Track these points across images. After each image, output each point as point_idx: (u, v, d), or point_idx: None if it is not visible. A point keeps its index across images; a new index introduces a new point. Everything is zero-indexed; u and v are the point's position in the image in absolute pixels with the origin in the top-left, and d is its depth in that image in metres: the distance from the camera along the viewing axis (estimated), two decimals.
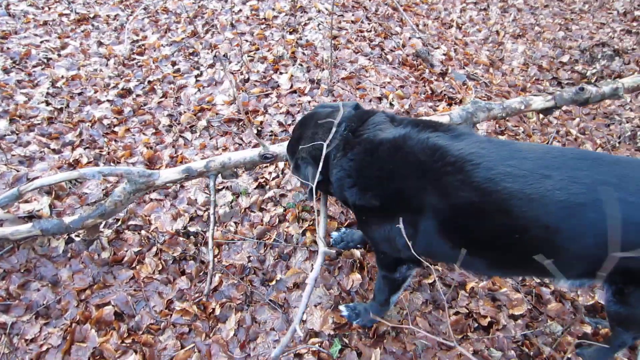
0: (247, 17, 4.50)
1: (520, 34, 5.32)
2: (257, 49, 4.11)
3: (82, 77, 3.96)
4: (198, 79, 3.95)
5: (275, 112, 3.55)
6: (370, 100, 3.72)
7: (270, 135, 3.43)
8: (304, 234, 2.89)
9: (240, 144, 3.41)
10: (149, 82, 3.95)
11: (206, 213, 3.01)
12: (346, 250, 2.85)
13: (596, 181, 1.57)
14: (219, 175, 2.76)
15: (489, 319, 2.56)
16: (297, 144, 2.20)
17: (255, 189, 3.13)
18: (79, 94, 3.84)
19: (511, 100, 3.22)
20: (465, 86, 4.15)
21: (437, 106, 3.76)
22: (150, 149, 3.42)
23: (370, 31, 4.44)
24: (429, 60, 4.25)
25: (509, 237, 1.68)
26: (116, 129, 3.60)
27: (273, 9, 4.59)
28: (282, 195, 3.09)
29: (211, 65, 4.05)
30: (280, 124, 3.48)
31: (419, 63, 4.21)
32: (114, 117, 3.66)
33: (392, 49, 4.33)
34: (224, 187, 3.15)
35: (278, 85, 3.79)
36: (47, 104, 3.67)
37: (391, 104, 3.68)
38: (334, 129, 2.03)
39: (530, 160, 1.69)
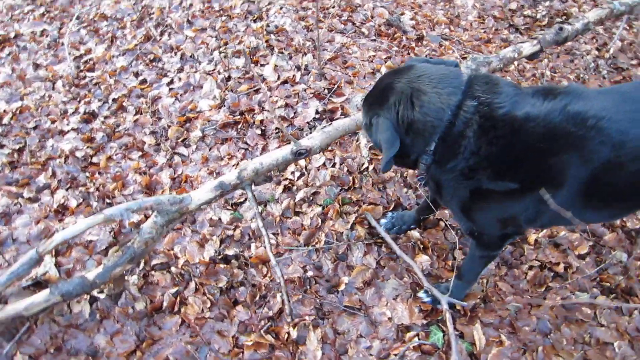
0: (202, 11, 4.09)
1: None
2: (226, 44, 3.75)
3: (31, 108, 3.37)
4: (171, 86, 3.53)
5: (274, 107, 3.26)
6: (364, 77, 3.55)
7: (277, 132, 3.15)
8: (352, 227, 2.69)
9: (246, 149, 3.09)
10: (114, 99, 3.45)
11: (237, 231, 2.70)
12: (400, 234, 2.71)
13: None
14: (255, 183, 2.48)
15: (562, 265, 2.56)
16: (382, 95, 1.85)
17: (282, 193, 2.86)
18: (35, 127, 3.27)
19: (505, 51, 3.28)
20: (442, 47, 4.11)
21: None
22: (144, 174, 3.00)
23: (334, 7, 4.23)
24: (401, 27, 4.15)
25: None
26: (94, 159, 3.12)
27: None
28: (315, 194, 2.85)
29: (180, 70, 3.63)
30: (283, 118, 3.20)
31: (394, 32, 4.10)
32: (87, 147, 3.16)
33: (363, 22, 4.17)
34: (245, 199, 2.83)
35: (264, 79, 3.48)
36: (1, 146, 3.08)
37: None
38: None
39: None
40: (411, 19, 4.34)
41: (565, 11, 5.03)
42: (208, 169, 3.01)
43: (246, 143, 3.13)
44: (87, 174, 3.00)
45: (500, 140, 1.68)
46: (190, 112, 3.35)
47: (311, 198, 2.84)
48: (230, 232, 2.71)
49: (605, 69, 4.36)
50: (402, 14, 4.35)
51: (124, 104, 3.42)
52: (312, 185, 2.88)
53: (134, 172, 3.01)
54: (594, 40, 4.67)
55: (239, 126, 3.22)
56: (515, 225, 1.94)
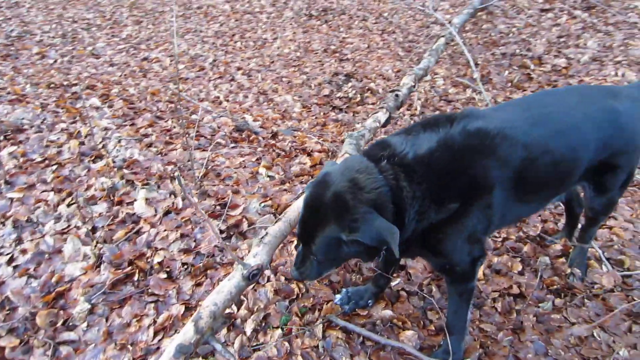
0: (19, 167, 3.40)
1: (278, 86, 5.84)
2: (70, 194, 3.17)
3: None
4: (14, 264, 2.75)
5: (167, 243, 2.82)
6: (247, 182, 3.40)
7: (185, 269, 2.70)
8: (324, 336, 2.41)
9: (156, 300, 2.55)
10: None
11: None
12: (357, 309, 2.58)
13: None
14: (214, 331, 2.05)
15: (514, 286, 2.75)
16: (335, 203, 1.84)
17: (227, 333, 2.41)
18: None
19: (368, 122, 3.68)
20: (296, 137, 4.28)
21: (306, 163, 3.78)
22: None
23: (175, 127, 4.06)
24: (251, 129, 4.20)
25: (554, 169, 2.10)
26: None
27: None
28: (266, 317, 2.49)
29: (18, 241, 2.88)
30: (185, 251, 2.78)
31: (248, 135, 4.12)
32: None
33: (212, 133, 4.08)
34: None
35: (139, 217, 3.02)
36: None
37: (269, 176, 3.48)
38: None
39: (538, 107, 2.19)
40: (254, 120, 4.45)
41: (367, 87, 5.87)
42: (116, 345, 2.36)
43: (153, 294, 2.59)
44: None
45: (423, 177, 1.88)
46: (56, 285, 2.64)
47: (264, 324, 2.47)
48: None
49: None
50: (243, 117, 4.44)
51: None
52: (258, 310, 2.51)
53: None
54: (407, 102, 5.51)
55: (135, 278, 2.67)
56: (477, 242, 2.07)
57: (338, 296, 2.61)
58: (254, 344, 2.38)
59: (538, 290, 2.76)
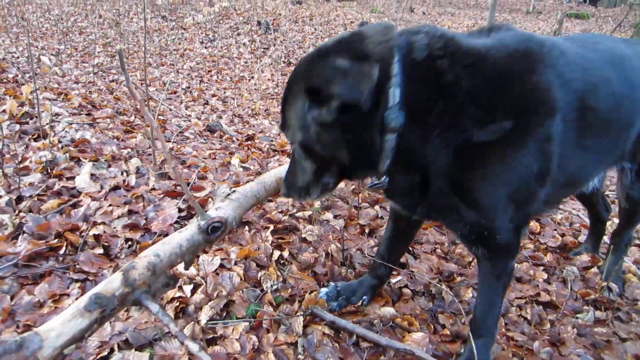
0: None
1: (254, 112, 5.51)
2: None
3: None
4: None
5: (112, 217, 2.26)
6: (217, 170, 2.91)
7: (129, 247, 2.13)
8: (305, 333, 1.84)
9: (84, 279, 1.95)
10: None
11: None
12: (348, 306, 2.04)
13: None
14: (152, 292, 1.48)
15: (542, 293, 2.26)
16: (316, 59, 1.42)
17: (175, 319, 1.81)
18: None
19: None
20: (273, 141, 3.87)
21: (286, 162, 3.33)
22: None
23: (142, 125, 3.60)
24: (224, 131, 3.78)
25: (615, 105, 1.65)
26: None
27: None
28: (228, 305, 1.90)
29: None
30: (132, 227, 2.22)
31: (220, 134, 3.69)
32: None
33: (181, 130, 3.63)
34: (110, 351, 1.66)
35: (79, 192, 2.47)
36: None
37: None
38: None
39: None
40: (227, 123, 4.05)
41: None
42: (18, 328, 1.72)
43: (82, 271, 1.99)
44: None
45: (474, 67, 1.38)
46: None
47: (224, 313, 1.88)
48: None
49: None
50: (220, 117, 4.04)
51: None
52: (218, 297, 1.93)
53: None
54: None
55: (61, 252, 2.07)
56: (526, 201, 1.53)
57: (324, 290, 2.07)
58: (210, 336, 1.78)
59: (572, 300, 2.28)
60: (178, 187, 2.58)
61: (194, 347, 1.37)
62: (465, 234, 1.57)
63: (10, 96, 3.74)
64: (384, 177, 1.52)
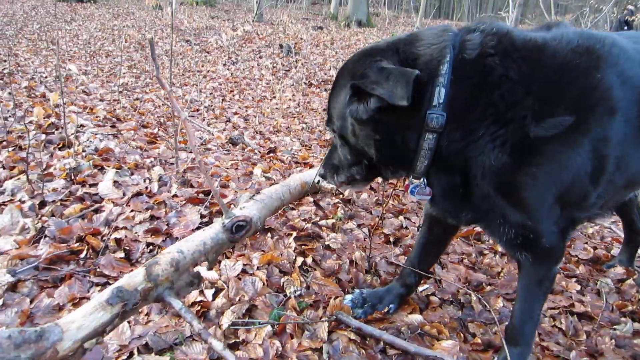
0: None
1: (276, 129, 5.53)
2: (22, 171, 2.63)
3: None
4: None
5: (133, 223, 2.25)
6: (239, 179, 2.89)
7: (150, 252, 2.10)
8: (330, 339, 1.77)
9: (105, 283, 1.92)
10: None
11: None
12: (373, 313, 1.96)
13: None
14: (176, 290, 1.44)
15: (576, 304, 2.15)
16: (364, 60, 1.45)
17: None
18: None
19: None
20: (295, 156, 3.85)
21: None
22: None
23: (170, 136, 3.63)
24: (247, 143, 3.79)
25: None
26: None
27: None
28: (251, 309, 1.85)
29: None
30: (153, 231, 2.20)
31: (242, 147, 3.69)
32: None
33: (203, 143, 3.64)
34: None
35: (102, 198, 2.47)
36: None
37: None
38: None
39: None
40: (251, 137, 4.06)
41: None
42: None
43: (103, 275, 1.96)
44: None
45: (529, 61, 1.34)
46: None
47: (247, 318, 1.83)
48: None
49: None
50: (240, 134, 4.05)
51: None
52: (240, 301, 1.88)
53: None
54: None
55: (83, 255, 2.05)
56: (579, 201, 1.45)
57: (349, 296, 2.00)
58: (232, 341, 1.72)
59: (608, 312, 2.16)
60: (200, 195, 2.56)
61: (217, 345, 1.32)
62: (510, 238, 1.48)
63: (36, 106, 3.82)
64: (422, 179, 1.52)
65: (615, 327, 2.07)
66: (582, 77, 1.36)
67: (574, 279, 2.40)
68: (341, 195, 2.85)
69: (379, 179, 1.73)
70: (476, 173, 1.39)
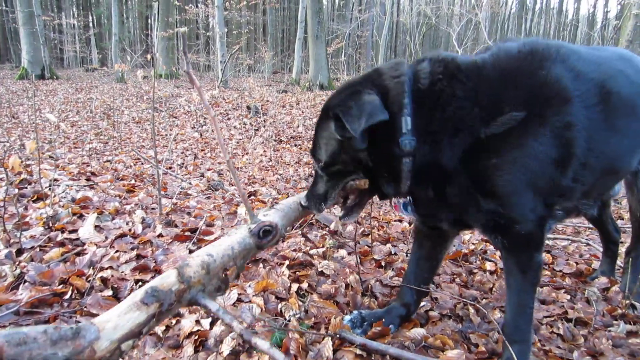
0: None
1: (251, 181, 5.55)
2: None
3: None
4: None
5: (118, 264, 2.16)
6: (224, 218, 2.85)
7: (140, 287, 2.01)
8: (336, 358, 1.70)
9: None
10: None
11: None
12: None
13: None
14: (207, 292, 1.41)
15: (568, 310, 2.16)
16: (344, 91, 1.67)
17: (194, 354, 1.67)
18: None
19: None
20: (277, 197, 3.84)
21: None
22: None
23: (144, 184, 3.57)
24: (227, 189, 3.77)
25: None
26: None
27: None
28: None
29: None
30: (142, 268, 2.11)
31: (222, 192, 3.67)
32: None
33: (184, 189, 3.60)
34: None
35: (83, 242, 2.37)
36: None
37: None
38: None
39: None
40: (230, 185, 4.04)
41: None
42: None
43: (90, 314, 1.85)
44: None
45: (472, 77, 1.55)
46: None
47: (247, 345, 1.75)
48: None
49: None
50: (220, 179, 4.04)
51: None
52: None
53: None
54: None
55: (67, 297, 1.94)
56: (547, 191, 1.55)
57: (347, 317, 1.95)
58: None
59: (600, 316, 2.19)
60: (187, 232, 2.51)
61: (263, 344, 1.27)
62: (484, 224, 1.62)
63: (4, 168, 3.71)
64: (407, 197, 1.74)
65: (610, 329, 2.09)
66: (527, 77, 1.55)
67: (563, 290, 2.43)
68: (327, 228, 2.84)
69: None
70: (448, 177, 1.57)
